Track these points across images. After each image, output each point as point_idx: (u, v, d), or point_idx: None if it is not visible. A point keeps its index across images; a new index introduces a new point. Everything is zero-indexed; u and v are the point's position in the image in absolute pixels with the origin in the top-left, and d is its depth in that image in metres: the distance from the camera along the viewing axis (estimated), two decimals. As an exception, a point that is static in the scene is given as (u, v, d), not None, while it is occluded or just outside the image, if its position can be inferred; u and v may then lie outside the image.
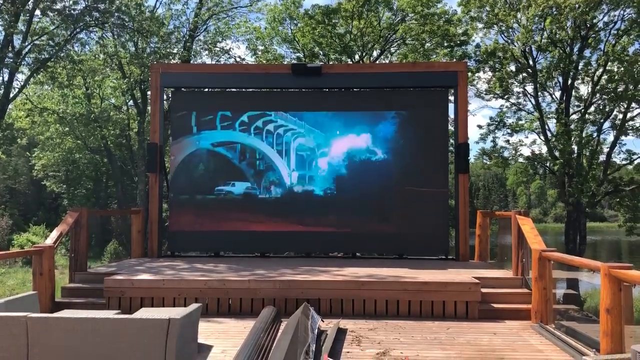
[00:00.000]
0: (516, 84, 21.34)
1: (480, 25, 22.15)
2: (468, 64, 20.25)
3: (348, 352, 5.70)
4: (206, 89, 12.38)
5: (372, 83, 11.41)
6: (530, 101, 21.62)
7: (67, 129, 25.10)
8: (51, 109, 24.58)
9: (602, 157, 20.76)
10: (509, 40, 21.23)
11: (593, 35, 19.94)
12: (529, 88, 21.30)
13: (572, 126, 19.78)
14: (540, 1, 18.83)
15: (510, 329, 6.81)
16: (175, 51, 22.70)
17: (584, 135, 19.89)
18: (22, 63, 18.68)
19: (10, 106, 21.84)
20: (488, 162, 23.73)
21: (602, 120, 20.35)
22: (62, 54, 19.25)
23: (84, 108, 24.48)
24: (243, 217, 11.13)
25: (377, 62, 23.97)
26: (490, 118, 22.89)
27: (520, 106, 22.02)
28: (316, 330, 5.93)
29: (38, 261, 7.54)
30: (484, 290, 7.56)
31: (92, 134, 24.98)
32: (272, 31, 25.71)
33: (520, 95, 21.73)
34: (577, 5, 18.56)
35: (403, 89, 11.48)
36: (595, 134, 20.48)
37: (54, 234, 8.32)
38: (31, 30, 18.38)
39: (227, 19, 25.22)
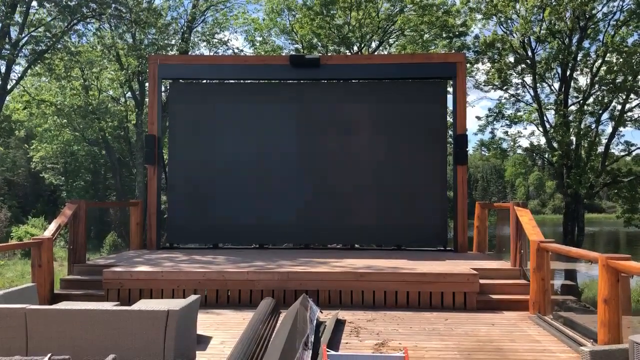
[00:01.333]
0: (515, 75, 21.32)
1: (479, 16, 22.11)
2: (467, 55, 20.26)
3: (347, 342, 5.72)
4: (204, 81, 12.34)
5: (371, 74, 11.36)
6: (529, 92, 21.65)
7: (64, 121, 25.06)
8: (49, 101, 24.52)
9: (601, 149, 20.81)
10: (508, 31, 21.20)
11: (592, 26, 19.91)
12: (528, 79, 21.32)
13: (571, 117, 19.79)
14: (540, -8, 18.80)
15: (509, 320, 6.83)
16: (173, 42, 22.64)
17: (582, 126, 19.91)
18: (19, 55, 18.60)
19: (7, 98, 21.78)
20: (487, 154, 23.79)
21: (600, 112, 20.38)
22: (59, 46, 19.19)
23: (82, 100, 24.42)
24: (242, 208, 11.11)
25: (376, 53, 23.91)
26: (489, 109, 22.90)
27: (519, 97, 22.04)
28: (315, 321, 5.94)
29: (37, 253, 7.54)
30: (482, 281, 7.58)
31: (90, 126, 24.94)
32: (270, 22, 25.62)
33: (519, 86, 21.76)
34: (576, -4, 18.51)
35: (401, 80, 11.44)
36: (593, 125, 20.51)
37: (53, 226, 8.31)
38: (28, 22, 18.29)
39: (225, 10, 25.15)
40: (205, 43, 25.02)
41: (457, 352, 5.43)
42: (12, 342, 4.22)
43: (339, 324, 6.39)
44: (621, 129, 20.53)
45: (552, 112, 20.66)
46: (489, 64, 21.87)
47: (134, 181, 24.62)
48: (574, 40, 20.04)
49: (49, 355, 3.12)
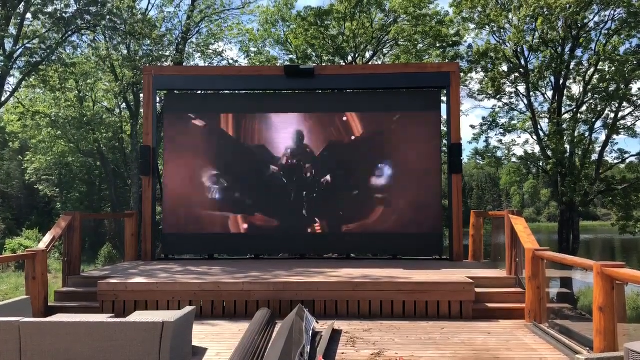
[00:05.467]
0: (508, 84, 21.44)
1: (472, 26, 22.26)
2: (460, 64, 20.34)
3: (343, 353, 5.69)
4: (199, 91, 12.36)
5: (365, 84, 11.42)
6: (522, 101, 21.76)
7: (59, 132, 25.01)
8: (43, 113, 24.48)
9: (595, 156, 20.89)
10: (501, 41, 21.34)
11: (584, 35, 20.06)
12: (521, 88, 21.44)
13: (565, 126, 19.88)
14: (532, 2, 18.94)
15: (505, 329, 6.83)
16: (167, 54, 22.67)
17: (576, 134, 20.00)
18: (14, 66, 18.61)
19: (1, 110, 21.78)
20: (481, 162, 23.81)
21: (594, 120, 20.47)
22: (53, 57, 19.19)
23: (76, 111, 24.38)
24: (237, 219, 11.10)
25: (370, 63, 24.01)
26: (483, 118, 23.03)
27: (513, 106, 22.15)
28: (311, 331, 5.92)
29: (31, 265, 7.49)
30: (478, 290, 7.58)
31: (84, 137, 24.89)
32: (265, 33, 25.72)
33: (513, 95, 21.86)
34: (568, 6, 18.66)
35: (396, 90, 11.50)
36: (587, 133, 20.61)
37: (47, 238, 8.27)
38: (22, 34, 18.31)
39: (220, 21, 25.26)
40: (199, 54, 25.10)
41: (454, 362, 5.41)
42: (5, 356, 4.19)
43: (335, 334, 6.37)
44: (615, 136, 20.64)
45: (546, 120, 20.77)
46: (482, 73, 22.01)
47: (129, 192, 24.55)
48: (567, 49, 20.18)
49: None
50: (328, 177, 11.17)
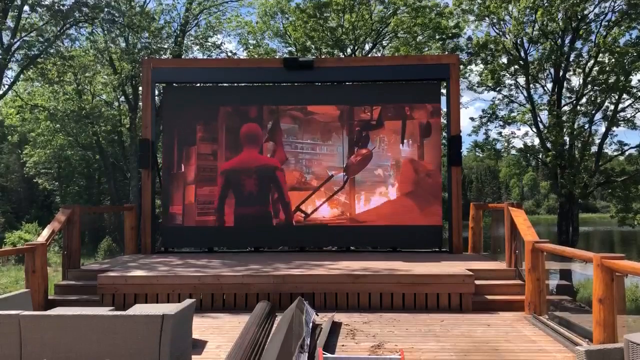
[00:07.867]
0: (508, 76, 21.37)
1: (471, 18, 22.16)
2: (460, 56, 20.27)
3: (343, 345, 5.71)
4: (198, 84, 12.31)
5: (364, 76, 11.38)
6: (522, 93, 21.68)
7: (58, 125, 24.95)
8: (42, 106, 24.39)
9: (594, 149, 20.85)
10: (501, 33, 21.25)
11: (584, 27, 19.97)
12: (521, 80, 21.36)
13: (564, 118, 19.84)
14: (532, -7, 18.87)
15: (504, 320, 6.84)
16: (166, 46, 22.58)
17: (575, 126, 19.96)
18: (12, 59, 18.52)
19: (0, 103, 21.69)
20: (481, 155, 23.76)
21: (593, 112, 20.42)
22: (51, 50, 19.11)
23: (75, 104, 24.31)
24: (237, 211, 11.09)
25: (369, 55, 23.94)
26: (483, 110, 22.98)
27: (512, 98, 22.07)
28: (311, 324, 5.93)
29: (30, 259, 7.49)
30: (477, 282, 7.59)
31: (83, 131, 24.84)
32: (264, 25, 25.62)
33: (512, 87, 21.78)
34: (568, -3, 18.59)
35: (395, 82, 11.47)
36: (586, 125, 20.56)
37: (46, 231, 8.26)
38: (20, 27, 18.20)
39: (218, 13, 25.12)
40: (198, 47, 24.99)
41: (453, 353, 5.43)
42: (6, 349, 4.20)
43: (335, 327, 6.38)
44: (614, 129, 20.59)
45: (546, 112, 20.71)
46: (482, 66, 21.93)
47: (128, 185, 24.54)
48: (567, 41, 20.11)
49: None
50: (326, 169, 11.14)
